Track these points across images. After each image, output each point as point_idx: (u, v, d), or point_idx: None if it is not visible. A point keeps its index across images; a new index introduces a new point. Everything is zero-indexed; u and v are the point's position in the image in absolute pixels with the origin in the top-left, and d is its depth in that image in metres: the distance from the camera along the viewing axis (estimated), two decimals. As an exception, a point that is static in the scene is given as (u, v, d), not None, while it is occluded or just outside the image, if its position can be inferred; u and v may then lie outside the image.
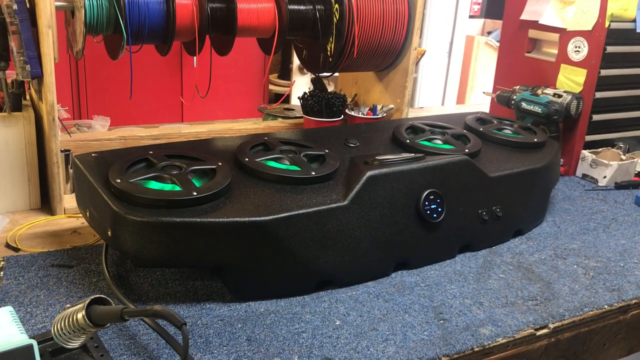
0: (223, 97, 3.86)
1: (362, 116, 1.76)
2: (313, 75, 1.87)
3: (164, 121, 3.74)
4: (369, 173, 1.17)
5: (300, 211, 1.07)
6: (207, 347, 0.93)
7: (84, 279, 1.10)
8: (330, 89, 1.96)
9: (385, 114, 1.77)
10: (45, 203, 1.40)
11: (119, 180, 1.05)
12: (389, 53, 1.69)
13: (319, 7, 1.60)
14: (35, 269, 1.12)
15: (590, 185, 1.79)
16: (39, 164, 1.38)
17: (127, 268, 1.14)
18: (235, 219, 1.02)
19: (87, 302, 0.75)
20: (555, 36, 1.87)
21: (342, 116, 1.76)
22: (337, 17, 1.58)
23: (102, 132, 1.73)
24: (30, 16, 1.26)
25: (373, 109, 1.77)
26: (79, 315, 0.75)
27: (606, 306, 1.15)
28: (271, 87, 4.09)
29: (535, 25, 1.93)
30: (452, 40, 4.19)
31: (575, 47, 1.81)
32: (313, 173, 1.19)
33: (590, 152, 1.83)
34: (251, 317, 1.02)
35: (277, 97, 4.00)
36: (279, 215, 1.05)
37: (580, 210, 1.59)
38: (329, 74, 1.75)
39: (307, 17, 1.60)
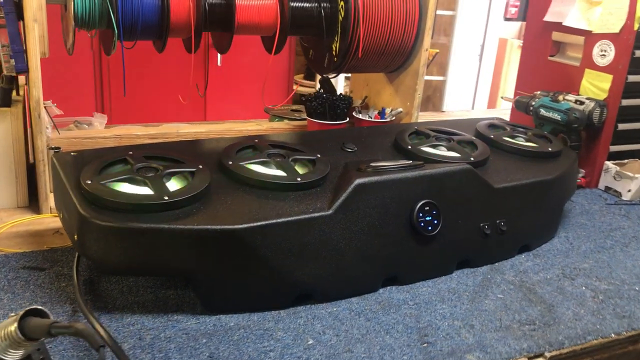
0: (247, 97, 3.82)
1: (369, 119, 1.68)
2: (324, 76, 1.81)
3: (186, 119, 3.73)
4: (357, 181, 1.09)
5: (279, 220, 1.01)
6: (165, 363, 0.87)
7: (53, 283, 1.05)
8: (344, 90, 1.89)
9: (394, 118, 1.69)
10: (34, 201, 1.37)
11: (89, 182, 1.00)
12: (398, 54, 1.61)
13: (324, 4, 1.53)
14: (6, 271, 1.08)
15: (613, 198, 1.67)
16: (29, 162, 1.35)
17: (99, 273, 1.09)
18: (206, 227, 0.95)
19: (21, 314, 0.70)
20: (580, 39, 1.76)
21: (348, 119, 1.69)
22: (343, 15, 1.50)
23: (97, 130, 1.70)
24: (17, 9, 1.22)
25: (381, 112, 1.69)
26: (12, 328, 0.70)
27: (613, 335, 1.04)
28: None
29: (559, 27, 1.82)
30: (483, 42, 4.06)
31: (601, 51, 1.69)
32: (299, 179, 1.12)
33: (614, 164, 1.72)
34: (219, 331, 0.95)
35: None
36: (254, 224, 0.98)
37: (597, 226, 1.48)
38: (334, 74, 1.67)
39: (312, 15, 1.53)
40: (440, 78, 4.22)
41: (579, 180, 1.73)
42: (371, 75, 1.83)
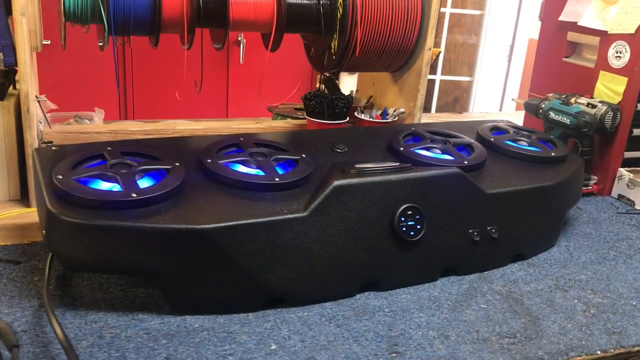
0: (271, 94, 3.81)
1: (370, 120, 1.64)
2: (327, 75, 1.77)
3: (210, 116, 3.74)
4: (335, 183, 1.06)
5: (249, 220, 0.98)
6: (121, 363, 0.86)
7: (26, 277, 1.05)
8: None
9: (396, 118, 1.65)
10: (26, 195, 1.38)
11: (60, 177, 0.99)
12: (399, 53, 1.56)
13: (323, 1, 1.50)
14: (-19, 264, 1.08)
15: (625, 207, 1.60)
16: (25, 155, 1.36)
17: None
18: (171, 226, 0.94)
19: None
20: (595, 40, 1.68)
21: (349, 119, 1.65)
22: (341, 11, 1.47)
23: (92, 125, 1.70)
24: (6, 3, 1.23)
25: (383, 113, 1.65)
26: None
27: (599, 352, 0.98)
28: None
29: (574, 27, 1.74)
30: (513, 43, 3.96)
31: (617, 52, 1.61)
32: (277, 179, 1.09)
33: (628, 171, 1.63)
34: (181, 332, 0.93)
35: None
36: (223, 224, 0.96)
37: (603, 236, 1.41)
38: (333, 73, 1.64)
39: (310, 12, 1.50)
40: (468, 79, 4.13)
41: (590, 187, 1.66)
42: (377, 75, 1.79)
